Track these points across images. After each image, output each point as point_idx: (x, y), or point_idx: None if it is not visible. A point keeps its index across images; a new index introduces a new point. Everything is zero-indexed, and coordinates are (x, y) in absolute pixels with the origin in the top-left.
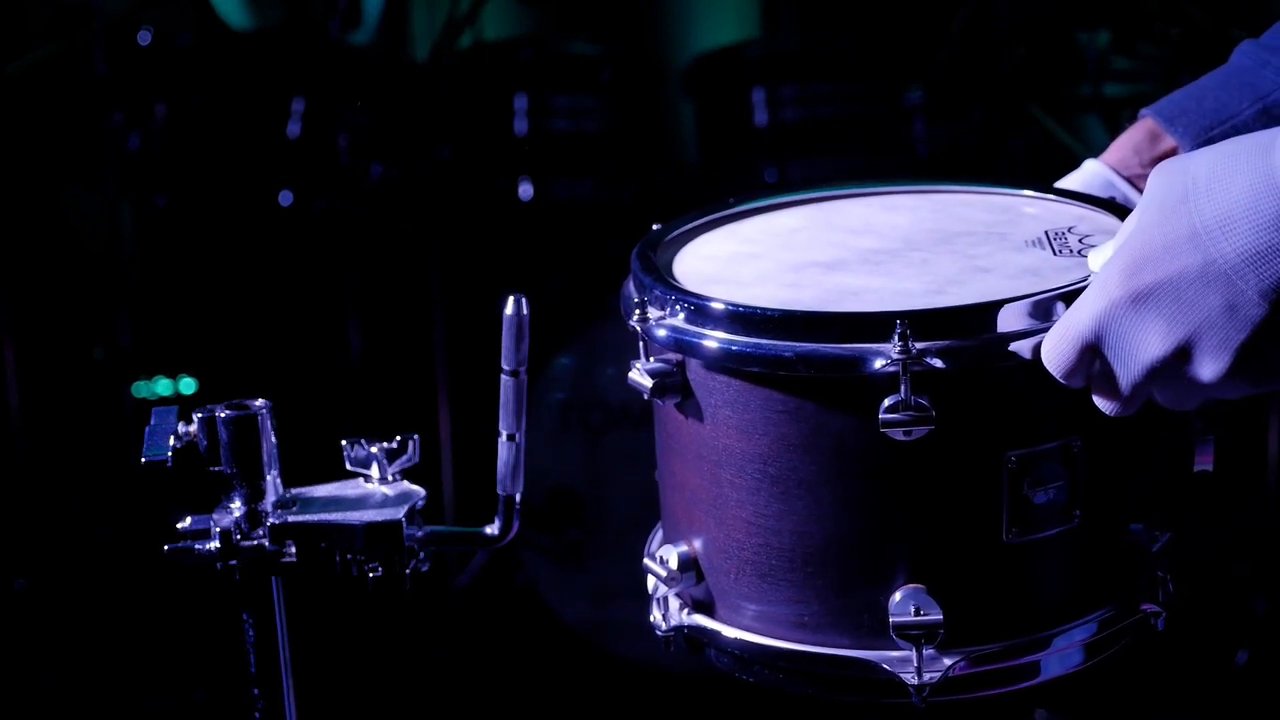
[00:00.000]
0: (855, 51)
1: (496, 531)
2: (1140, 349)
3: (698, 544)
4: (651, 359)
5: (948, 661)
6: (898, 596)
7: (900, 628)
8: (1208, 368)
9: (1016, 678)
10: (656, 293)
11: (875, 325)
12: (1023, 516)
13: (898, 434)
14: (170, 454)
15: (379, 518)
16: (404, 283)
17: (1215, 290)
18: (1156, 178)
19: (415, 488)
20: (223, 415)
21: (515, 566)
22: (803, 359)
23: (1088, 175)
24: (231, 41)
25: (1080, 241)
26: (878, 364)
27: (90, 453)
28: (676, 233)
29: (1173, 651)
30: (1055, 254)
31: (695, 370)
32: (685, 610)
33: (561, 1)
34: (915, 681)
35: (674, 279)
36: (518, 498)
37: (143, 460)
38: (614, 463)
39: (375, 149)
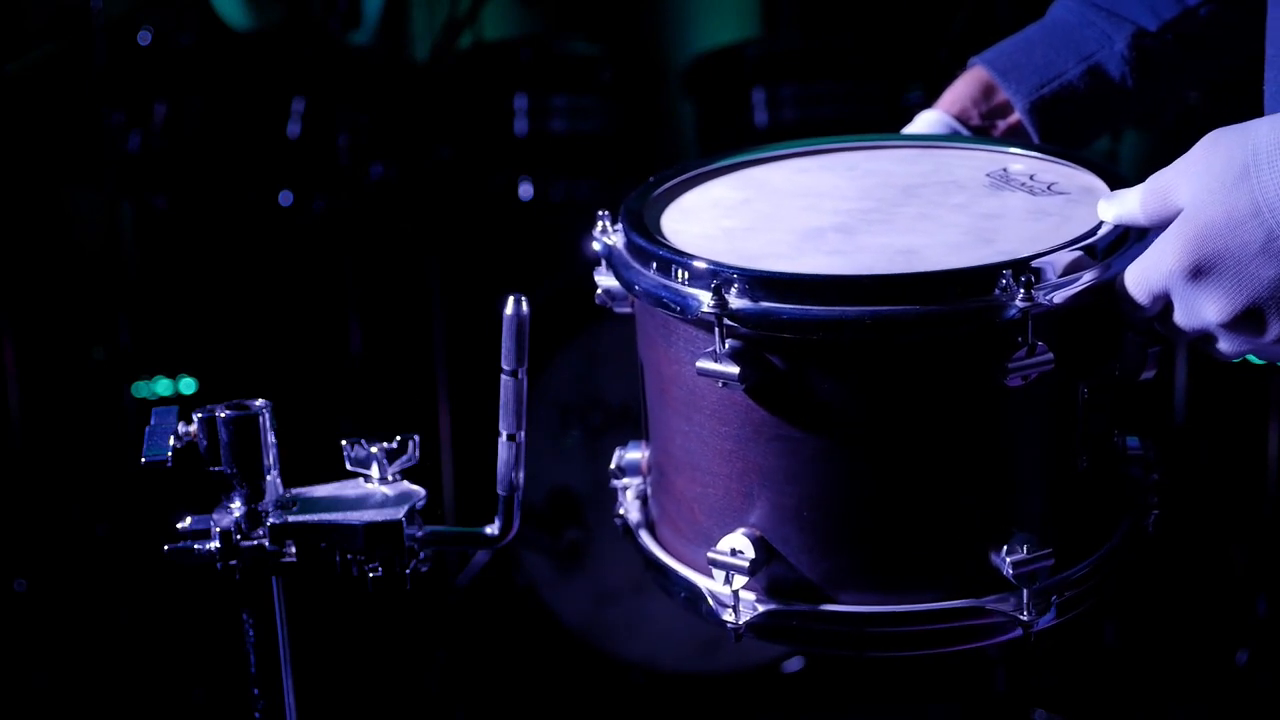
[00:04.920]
0: (855, 51)
1: (496, 531)
2: (1201, 314)
3: (767, 526)
4: (726, 344)
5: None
6: (1007, 540)
7: (1018, 565)
8: (1271, 331)
9: (1099, 593)
10: (730, 275)
11: (982, 278)
12: (1089, 444)
13: (1016, 380)
14: (170, 454)
15: (379, 518)
16: (404, 283)
17: (1278, 263)
18: (1212, 148)
19: (415, 488)
20: (223, 415)
21: (515, 566)
22: (924, 321)
23: (932, 125)
24: (231, 41)
25: (1032, 179)
26: (1010, 313)
27: (90, 453)
28: (633, 212)
29: (1173, 651)
30: (1034, 195)
31: (785, 348)
32: (762, 599)
33: (561, 1)
34: (1028, 618)
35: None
36: (518, 498)
37: (143, 460)
38: None
39: (375, 149)
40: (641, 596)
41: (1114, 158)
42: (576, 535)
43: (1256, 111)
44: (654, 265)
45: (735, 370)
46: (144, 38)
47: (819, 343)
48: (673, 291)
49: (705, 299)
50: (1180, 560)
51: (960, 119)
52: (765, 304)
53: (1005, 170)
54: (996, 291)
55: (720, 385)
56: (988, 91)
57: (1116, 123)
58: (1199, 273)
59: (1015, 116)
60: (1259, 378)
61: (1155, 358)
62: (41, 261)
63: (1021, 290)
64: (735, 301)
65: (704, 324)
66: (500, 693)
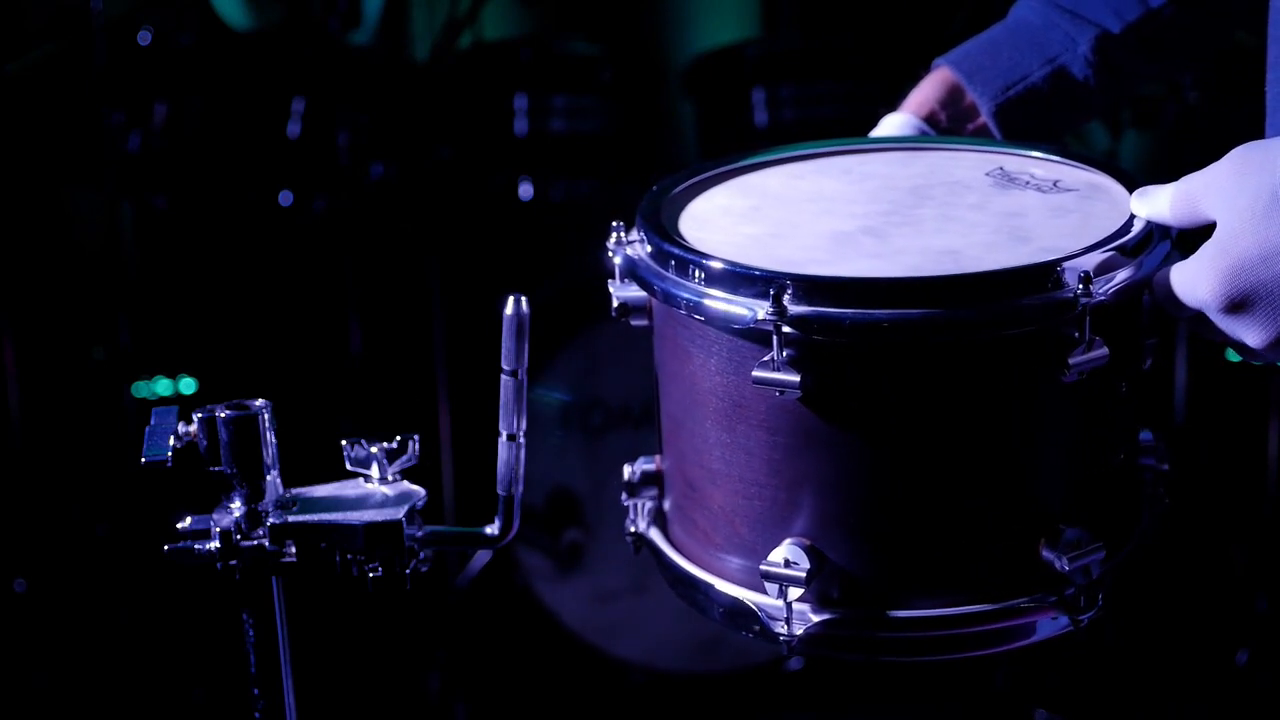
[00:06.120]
0: (855, 51)
1: (496, 531)
2: (1239, 337)
3: (818, 534)
4: (784, 351)
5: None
6: (1059, 536)
7: (1073, 559)
8: None
9: (1133, 584)
10: (784, 281)
11: (1042, 275)
12: (1125, 440)
13: (1074, 376)
14: (170, 454)
15: (379, 518)
16: (404, 283)
17: None
18: (1241, 167)
19: (415, 488)
20: (223, 415)
21: (515, 566)
22: (991, 320)
23: (900, 127)
24: (231, 41)
25: (1034, 177)
26: (1076, 310)
27: (90, 453)
28: (658, 222)
29: (1173, 651)
30: (1044, 192)
31: (842, 353)
32: (815, 609)
33: (561, 1)
34: (1080, 612)
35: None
36: (518, 498)
37: (143, 460)
38: (614, 463)
39: (375, 149)
40: (641, 596)
41: (1114, 157)
42: (576, 535)
43: (1258, 112)
44: (693, 275)
45: (795, 378)
46: (144, 38)
47: (877, 346)
48: (721, 301)
49: (761, 307)
50: (1180, 560)
51: (928, 121)
52: (826, 309)
53: (1003, 169)
54: (1053, 287)
55: (778, 394)
56: (955, 94)
57: (1076, 122)
58: (1235, 307)
59: (982, 119)
60: (1259, 378)
61: (1152, 349)
62: (41, 261)
63: (1080, 286)
64: (794, 308)
65: (753, 333)
66: (500, 692)
